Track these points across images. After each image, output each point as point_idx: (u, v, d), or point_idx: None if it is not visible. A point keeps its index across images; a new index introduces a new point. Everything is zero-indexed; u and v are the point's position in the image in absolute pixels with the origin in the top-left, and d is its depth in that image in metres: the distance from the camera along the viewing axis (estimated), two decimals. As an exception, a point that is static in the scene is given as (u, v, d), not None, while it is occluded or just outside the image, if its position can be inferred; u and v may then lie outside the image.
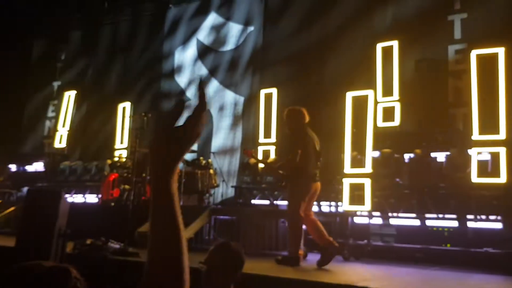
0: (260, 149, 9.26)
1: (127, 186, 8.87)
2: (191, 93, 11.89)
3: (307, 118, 5.70)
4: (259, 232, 6.94)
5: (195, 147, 10.92)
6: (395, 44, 8.33)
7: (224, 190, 9.68)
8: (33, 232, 4.14)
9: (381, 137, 7.66)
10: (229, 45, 11.44)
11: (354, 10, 9.66)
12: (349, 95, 7.57)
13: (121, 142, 11.33)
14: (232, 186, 9.65)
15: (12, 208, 9.12)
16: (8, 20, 12.08)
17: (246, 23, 11.23)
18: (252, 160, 8.38)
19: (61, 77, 14.32)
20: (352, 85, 8.23)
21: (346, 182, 7.15)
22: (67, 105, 12.62)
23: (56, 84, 14.30)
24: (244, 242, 6.28)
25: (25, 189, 10.83)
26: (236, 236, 6.77)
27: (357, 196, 7.00)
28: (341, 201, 7.25)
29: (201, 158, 9.66)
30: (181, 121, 1.00)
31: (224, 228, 7.26)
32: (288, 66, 10.23)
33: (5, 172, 11.92)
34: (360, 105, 7.45)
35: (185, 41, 12.32)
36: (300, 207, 5.39)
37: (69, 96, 12.65)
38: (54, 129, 12.97)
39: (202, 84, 1.05)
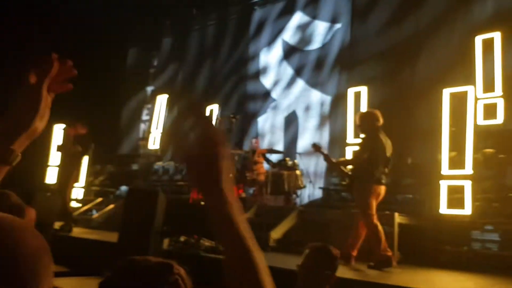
0: (349, 150, 9.01)
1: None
2: (276, 93, 11.91)
3: (381, 121, 5.70)
4: (349, 237, 6.72)
5: (280, 147, 10.93)
6: (497, 35, 7.68)
7: (311, 192, 9.55)
8: (133, 229, 4.33)
9: (483, 136, 7.11)
10: (315, 44, 11.30)
11: (450, 2, 9.09)
12: (446, 92, 7.10)
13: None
14: (319, 188, 9.49)
15: (111, 206, 9.69)
16: (105, 30, 12.90)
17: (333, 21, 11.01)
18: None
19: (153, 82, 15.05)
20: (448, 81, 7.74)
21: (444, 184, 6.71)
22: (160, 108, 13.22)
23: (149, 89, 15.05)
24: (334, 245, 6.11)
25: (123, 188, 11.50)
26: (325, 239, 6.62)
27: (456, 199, 6.55)
28: (438, 204, 6.82)
29: (287, 158, 9.64)
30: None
31: (313, 230, 7.14)
32: (378, 63, 9.87)
33: (104, 172, 12.75)
34: (458, 102, 6.96)
35: (270, 42, 12.37)
36: (370, 207, 5.38)
37: (161, 100, 13.24)
38: (148, 131, 13.64)
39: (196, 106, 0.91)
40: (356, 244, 5.53)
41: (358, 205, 5.61)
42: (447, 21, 9.00)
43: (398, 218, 6.32)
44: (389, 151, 5.64)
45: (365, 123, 5.73)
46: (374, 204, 5.44)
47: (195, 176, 0.87)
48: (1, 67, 11.46)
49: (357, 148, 5.89)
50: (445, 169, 6.79)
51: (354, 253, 5.52)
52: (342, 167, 5.97)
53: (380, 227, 5.39)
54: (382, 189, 5.57)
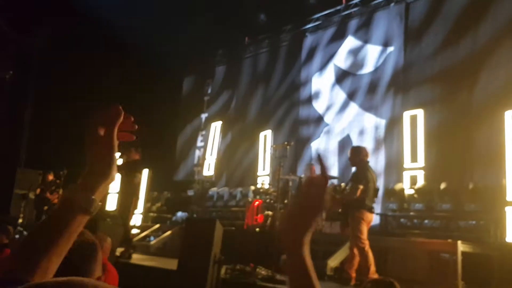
0: (407, 174, 8.80)
1: (270, 212, 9.09)
2: (329, 118, 11.86)
3: (368, 156, 6.33)
4: (409, 265, 6.51)
5: (335, 172, 10.81)
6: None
7: (368, 218, 9.33)
8: (192, 258, 4.41)
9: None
10: (368, 68, 11.21)
11: (508, 19, 8.78)
12: (509, 114, 6.83)
13: (263, 169, 11.72)
14: (376, 214, 9.26)
15: (169, 232, 9.89)
16: (161, 60, 13.46)
17: (385, 44, 10.91)
18: None
19: (208, 109, 15.44)
20: (509, 102, 7.43)
21: (510, 211, 6.38)
22: (214, 135, 13.52)
23: (203, 116, 15.45)
24: (394, 275, 5.93)
25: (179, 213, 11.76)
26: (384, 267, 6.44)
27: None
28: (504, 231, 6.49)
29: (343, 184, 9.51)
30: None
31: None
32: (434, 86, 9.63)
33: (161, 198, 13.10)
34: (522, 124, 6.67)
35: (322, 67, 12.40)
36: (362, 233, 5.87)
37: (215, 127, 13.56)
38: (203, 158, 13.95)
39: (320, 158, 1.09)
40: (353, 265, 5.93)
41: (352, 231, 5.98)
42: (506, 39, 8.68)
43: (461, 246, 6.06)
44: (375, 182, 6.32)
45: (356, 157, 6.22)
46: (365, 230, 5.94)
47: (291, 235, 0.95)
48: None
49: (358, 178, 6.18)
50: (510, 195, 6.47)
51: (353, 274, 5.89)
52: (334, 194, 6.59)
53: (370, 253, 5.81)
54: (372, 217, 6.21)
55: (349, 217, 6.11)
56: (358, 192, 5.91)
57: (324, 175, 0.98)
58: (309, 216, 0.95)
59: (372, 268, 5.74)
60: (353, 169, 6.38)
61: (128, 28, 11.98)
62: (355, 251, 5.97)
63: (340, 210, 6.49)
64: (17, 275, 0.84)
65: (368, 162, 6.29)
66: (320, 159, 1.04)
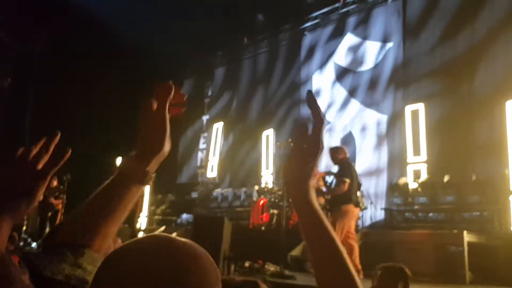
0: (410, 169, 8.85)
1: (275, 211, 9.14)
2: (331, 115, 11.91)
3: (347, 154, 6.62)
4: (415, 258, 6.54)
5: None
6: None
7: (373, 213, 9.39)
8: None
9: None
10: (368, 64, 11.26)
11: (506, 11, 8.83)
12: (509, 105, 6.88)
13: (267, 168, 11.76)
14: (381, 209, 9.32)
15: (174, 234, 9.92)
16: (160, 63, 13.49)
17: (384, 40, 10.96)
18: None
19: (209, 111, 15.47)
20: (510, 93, 7.48)
21: (514, 201, 6.43)
22: (216, 136, 13.56)
23: (205, 118, 15.49)
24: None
25: (184, 216, 11.80)
26: (390, 261, 6.47)
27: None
28: (508, 220, 6.53)
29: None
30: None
31: (377, 252, 7.00)
32: (434, 80, 9.69)
33: (166, 201, 13.14)
34: (523, 114, 6.72)
35: (322, 65, 12.45)
36: (350, 226, 6.03)
37: (217, 128, 13.60)
38: (205, 160, 13.99)
39: (310, 97, 0.99)
40: (355, 259, 5.94)
41: (338, 225, 5.98)
42: (504, 30, 8.73)
43: (467, 237, 6.10)
44: (358, 178, 6.57)
45: (338, 155, 6.45)
46: (353, 224, 6.12)
47: (294, 181, 0.95)
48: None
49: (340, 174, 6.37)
50: (514, 185, 6.51)
51: (359, 266, 5.89)
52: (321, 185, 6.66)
53: (357, 247, 6.02)
54: (359, 211, 6.42)
55: (333, 211, 6.19)
56: (346, 186, 6.03)
57: (318, 115, 0.96)
58: (310, 158, 0.94)
59: (357, 260, 5.86)
60: (336, 167, 6.58)
61: (126, 32, 12.03)
62: (350, 244, 6.02)
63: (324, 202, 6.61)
64: (77, 239, 0.89)
65: (348, 159, 6.57)
66: (311, 98, 0.98)
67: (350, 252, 5.85)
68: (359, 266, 5.81)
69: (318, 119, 0.96)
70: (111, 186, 0.95)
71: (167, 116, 0.98)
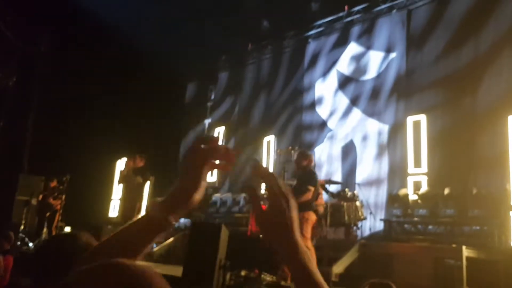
0: (411, 180, 8.80)
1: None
2: (333, 123, 11.88)
3: (312, 162, 6.72)
4: (414, 271, 6.48)
5: (338, 178, 10.82)
6: None
7: (372, 224, 9.33)
8: (197, 263, 4.41)
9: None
10: (371, 74, 11.24)
11: (510, 24, 8.80)
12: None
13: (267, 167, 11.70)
14: (380, 219, 9.27)
15: (171, 239, 9.88)
16: (164, 66, 13.51)
17: (388, 50, 10.95)
18: None
19: (211, 115, 15.46)
20: (512, 107, 7.45)
21: (515, 216, 6.37)
22: (217, 141, 13.51)
23: (207, 122, 15.47)
24: (398, 281, 5.92)
25: (182, 220, 11.73)
26: (389, 273, 6.42)
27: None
28: (509, 236, 6.47)
29: (347, 189, 9.51)
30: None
31: (376, 264, 6.95)
32: (437, 91, 9.65)
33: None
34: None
35: (325, 73, 12.43)
36: (308, 233, 6.04)
37: (219, 133, 13.57)
38: (206, 164, 13.93)
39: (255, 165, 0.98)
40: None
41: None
42: (508, 44, 8.70)
43: (466, 252, 6.05)
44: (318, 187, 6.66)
45: (304, 161, 6.50)
46: (310, 229, 6.17)
47: (268, 229, 0.95)
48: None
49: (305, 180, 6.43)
50: (515, 200, 6.46)
51: None
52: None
53: (313, 250, 6.03)
54: (316, 218, 6.47)
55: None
56: (311, 194, 6.17)
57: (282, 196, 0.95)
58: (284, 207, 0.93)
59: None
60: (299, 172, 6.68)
61: (131, 35, 12.04)
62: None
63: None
64: None
65: (312, 166, 6.72)
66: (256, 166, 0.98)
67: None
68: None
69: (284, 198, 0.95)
70: (136, 229, 0.98)
71: (203, 175, 0.98)
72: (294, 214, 0.94)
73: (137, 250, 0.97)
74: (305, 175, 6.42)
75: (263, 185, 1.00)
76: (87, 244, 1.63)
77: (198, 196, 0.99)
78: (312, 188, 6.16)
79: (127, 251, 0.94)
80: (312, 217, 6.20)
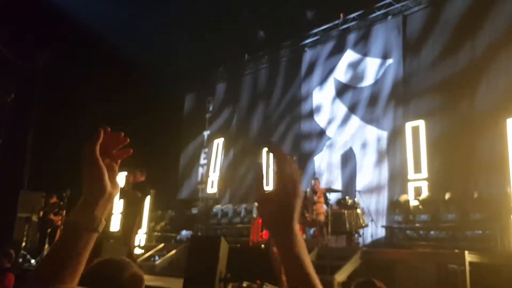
0: (411, 186, 8.77)
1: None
2: (331, 131, 11.87)
3: None
4: (417, 277, 6.44)
5: (338, 186, 10.79)
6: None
7: (373, 231, 9.29)
8: (198, 276, 4.38)
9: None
10: (368, 80, 11.25)
11: (506, 26, 8.82)
12: (511, 122, 6.83)
13: (267, 185, 11.63)
14: (382, 226, 9.22)
15: (173, 251, 9.83)
16: (162, 78, 13.56)
17: (384, 56, 10.97)
18: None
19: (210, 126, 15.46)
20: (511, 110, 7.44)
21: (516, 219, 6.34)
22: (216, 152, 13.51)
23: (206, 133, 15.46)
24: (401, 286, 5.88)
25: (183, 232, 11.69)
26: (391, 280, 6.37)
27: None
28: (510, 240, 6.43)
29: (347, 197, 9.49)
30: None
31: (378, 271, 6.89)
32: (434, 96, 9.66)
33: (165, 217, 13.04)
34: (524, 131, 6.66)
35: (322, 82, 12.45)
36: None
37: (218, 144, 13.56)
38: (206, 175, 13.92)
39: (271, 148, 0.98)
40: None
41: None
42: (505, 47, 8.71)
43: (469, 257, 6.00)
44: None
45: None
46: None
47: (270, 212, 0.91)
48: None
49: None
50: (516, 203, 6.43)
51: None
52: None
53: None
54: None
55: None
56: None
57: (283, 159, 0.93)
58: (290, 197, 0.90)
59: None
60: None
61: (129, 48, 12.09)
62: None
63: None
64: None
65: None
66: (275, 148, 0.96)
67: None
68: None
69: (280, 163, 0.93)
70: (64, 238, 0.96)
71: (99, 161, 0.99)
72: (298, 202, 0.91)
73: (78, 260, 0.94)
74: None
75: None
76: (133, 277, 1.52)
77: (114, 187, 0.99)
78: None
79: (68, 267, 0.92)
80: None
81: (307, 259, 0.87)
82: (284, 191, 0.90)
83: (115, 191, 0.99)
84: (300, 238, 0.89)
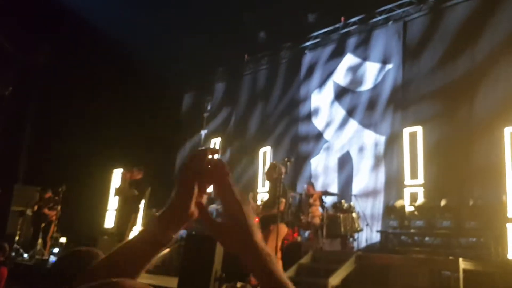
0: (407, 191, 8.78)
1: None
2: (329, 134, 11.88)
3: (282, 175, 6.52)
4: (411, 283, 6.45)
5: (335, 189, 10.80)
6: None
7: (368, 235, 9.30)
8: (193, 275, 4.37)
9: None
10: (367, 85, 11.27)
11: (507, 35, 8.85)
12: (508, 131, 6.85)
13: (263, 186, 11.68)
14: (377, 231, 9.23)
15: (167, 250, 9.81)
16: (161, 77, 13.55)
17: (384, 61, 10.99)
18: None
19: (207, 126, 15.44)
20: (509, 118, 7.47)
21: (511, 228, 6.35)
22: (213, 151, 13.49)
23: (203, 132, 15.43)
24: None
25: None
26: (385, 286, 6.38)
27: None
28: (505, 248, 6.45)
29: (343, 201, 9.50)
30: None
31: (372, 276, 6.91)
32: (433, 102, 9.68)
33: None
34: (522, 140, 6.68)
35: (321, 84, 12.46)
36: (276, 245, 5.97)
37: (215, 144, 13.55)
38: (202, 175, 13.88)
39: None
40: None
41: (271, 243, 6.00)
42: (505, 54, 8.73)
43: (463, 264, 6.02)
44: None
45: (274, 173, 6.48)
46: (275, 242, 6.04)
47: (227, 238, 0.95)
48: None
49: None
50: (511, 212, 6.45)
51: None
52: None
53: (280, 264, 5.92)
54: (287, 230, 6.52)
55: (266, 229, 6.24)
56: (282, 206, 6.16)
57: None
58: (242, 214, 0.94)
59: None
60: (267, 183, 6.67)
61: (128, 46, 12.07)
62: None
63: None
64: None
65: (283, 178, 6.61)
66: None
67: None
68: None
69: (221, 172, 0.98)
70: (135, 245, 0.98)
71: (195, 189, 0.98)
72: (251, 220, 0.94)
73: (137, 266, 0.96)
74: (275, 187, 6.42)
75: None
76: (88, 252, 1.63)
77: (195, 210, 0.98)
78: (283, 200, 6.20)
79: (127, 269, 0.94)
80: (281, 229, 6.18)
81: (279, 269, 0.90)
82: (234, 219, 0.94)
83: (197, 213, 0.99)
84: (267, 250, 0.92)
